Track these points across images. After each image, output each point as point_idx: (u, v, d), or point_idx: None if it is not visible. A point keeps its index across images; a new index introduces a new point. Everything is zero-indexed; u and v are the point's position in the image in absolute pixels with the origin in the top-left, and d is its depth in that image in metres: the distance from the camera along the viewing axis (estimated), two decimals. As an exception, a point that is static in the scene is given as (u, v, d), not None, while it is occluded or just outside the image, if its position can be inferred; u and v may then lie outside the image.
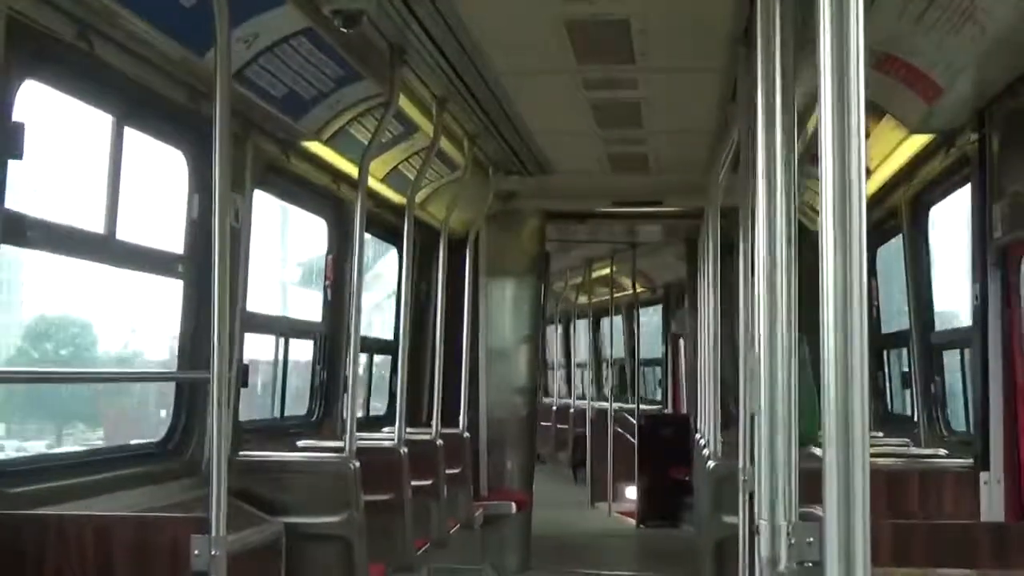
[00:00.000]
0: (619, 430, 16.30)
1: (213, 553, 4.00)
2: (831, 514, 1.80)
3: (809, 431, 5.90)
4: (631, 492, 15.99)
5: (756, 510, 4.06)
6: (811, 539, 3.26)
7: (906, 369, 7.85)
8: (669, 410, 17.52)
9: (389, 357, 9.90)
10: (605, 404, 17.42)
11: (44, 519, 4.34)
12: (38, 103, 4.61)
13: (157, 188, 6.14)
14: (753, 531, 4.86)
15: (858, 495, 1.80)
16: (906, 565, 3.98)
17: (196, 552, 4.01)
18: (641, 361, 18.05)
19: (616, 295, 18.02)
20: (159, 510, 5.33)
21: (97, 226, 5.21)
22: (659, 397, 18.47)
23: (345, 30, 5.58)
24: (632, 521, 15.71)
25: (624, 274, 17.42)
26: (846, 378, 1.84)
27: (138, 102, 5.38)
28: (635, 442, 15.77)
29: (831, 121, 1.90)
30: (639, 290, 17.59)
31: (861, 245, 1.87)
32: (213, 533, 4.02)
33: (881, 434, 7.62)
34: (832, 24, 1.90)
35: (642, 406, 16.72)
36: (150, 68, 5.27)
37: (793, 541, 3.19)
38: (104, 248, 5.29)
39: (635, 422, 16.03)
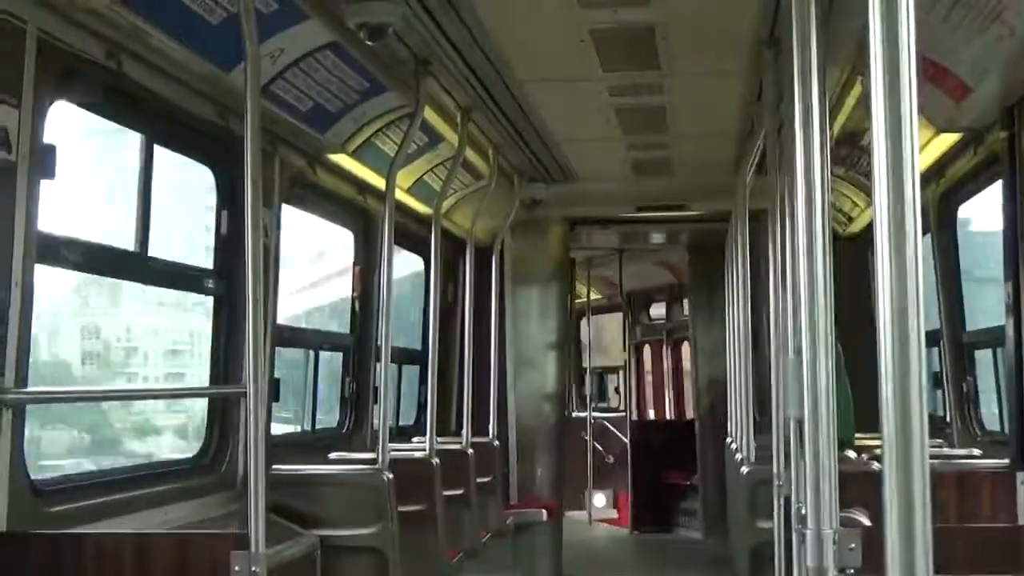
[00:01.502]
0: (584, 437, 16.16)
1: (253, 569, 3.99)
2: (890, 523, 1.79)
3: (844, 435, 5.91)
4: (600, 499, 15.89)
5: (795, 516, 4.05)
6: (852, 545, 3.25)
7: (937, 369, 7.80)
8: (630, 415, 17.32)
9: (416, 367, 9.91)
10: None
11: (83, 537, 4.35)
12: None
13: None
14: (789, 536, 4.85)
15: (918, 503, 1.79)
16: (949, 571, 3.94)
17: (236, 568, 4.00)
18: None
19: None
20: (195, 525, 5.35)
21: (129, 244, 5.23)
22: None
23: (370, 43, 5.58)
24: (615, 528, 15.70)
25: (582, 280, 17.15)
26: (904, 383, 1.82)
27: (167, 120, 5.41)
28: (609, 448, 15.80)
29: (883, 124, 1.89)
30: (596, 297, 17.47)
31: (917, 247, 1.86)
32: (253, 549, 4.02)
33: None
34: (883, 26, 1.88)
35: (607, 413, 16.67)
36: (178, 86, 5.30)
37: (836, 549, 3.18)
38: (136, 265, 5.31)
39: (617, 429, 15.99)
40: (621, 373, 17.57)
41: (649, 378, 18.04)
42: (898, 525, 1.78)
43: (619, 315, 17.64)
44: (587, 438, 15.84)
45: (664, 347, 17.63)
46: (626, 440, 16.04)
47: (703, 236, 12.69)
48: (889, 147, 1.86)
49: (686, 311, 16.88)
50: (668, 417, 17.62)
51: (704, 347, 13.64)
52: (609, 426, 16.18)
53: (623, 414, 16.80)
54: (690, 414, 17.06)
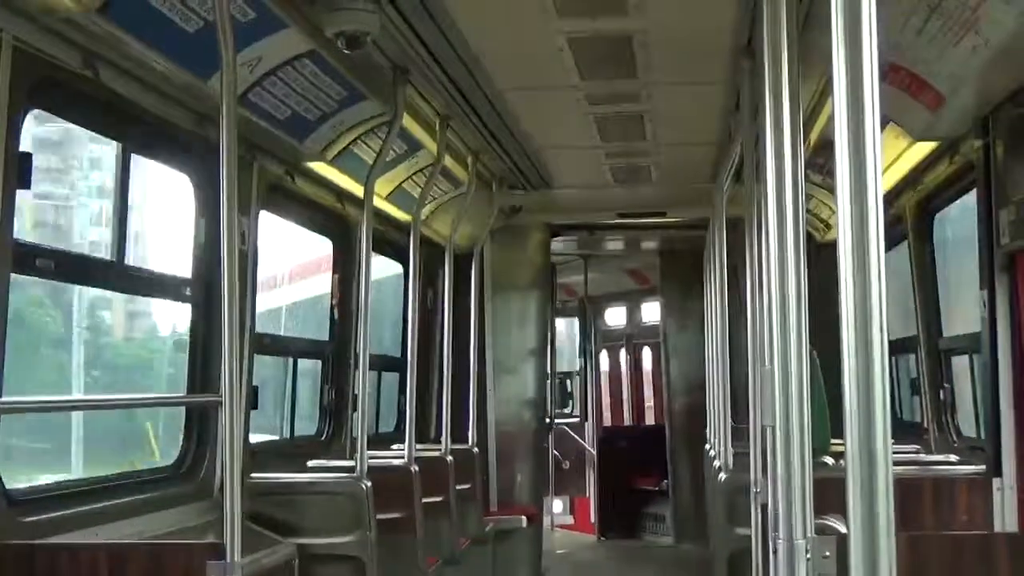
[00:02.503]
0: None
1: None
2: (855, 532, 1.80)
3: (820, 442, 5.93)
4: (557, 505, 15.80)
5: (771, 524, 4.06)
6: (827, 553, 3.26)
7: (914, 375, 7.84)
8: (596, 421, 17.25)
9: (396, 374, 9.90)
10: None
11: (58, 548, 4.33)
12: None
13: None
14: (767, 544, 4.86)
15: (881, 513, 1.80)
16: (923, 577, 3.97)
17: None
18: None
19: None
20: (173, 535, 5.33)
21: (105, 252, 5.23)
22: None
23: (348, 51, 5.58)
24: (580, 535, 15.66)
25: None
26: (868, 390, 1.83)
27: (143, 128, 5.40)
28: (593, 454, 15.78)
29: (846, 132, 1.90)
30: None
31: (879, 254, 1.87)
32: (228, 559, 4.01)
33: (892, 441, 7.60)
34: (846, 36, 1.90)
35: (565, 419, 16.59)
36: (155, 94, 5.28)
37: (809, 556, 3.19)
38: (113, 273, 5.30)
39: (574, 434, 15.94)
40: (577, 379, 17.53)
41: (605, 383, 18.02)
42: (862, 532, 1.79)
43: (572, 320, 17.60)
44: (545, 444, 15.78)
45: (622, 353, 17.62)
46: (584, 444, 16.01)
47: (677, 242, 12.76)
48: (852, 157, 1.87)
49: (646, 317, 16.92)
50: (627, 423, 17.62)
51: (676, 353, 13.69)
52: (568, 431, 16.13)
53: (577, 419, 16.76)
54: (650, 419, 17.08)
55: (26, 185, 4.33)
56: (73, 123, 5.00)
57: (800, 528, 3.15)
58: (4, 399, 4.35)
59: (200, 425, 6.03)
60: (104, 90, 4.89)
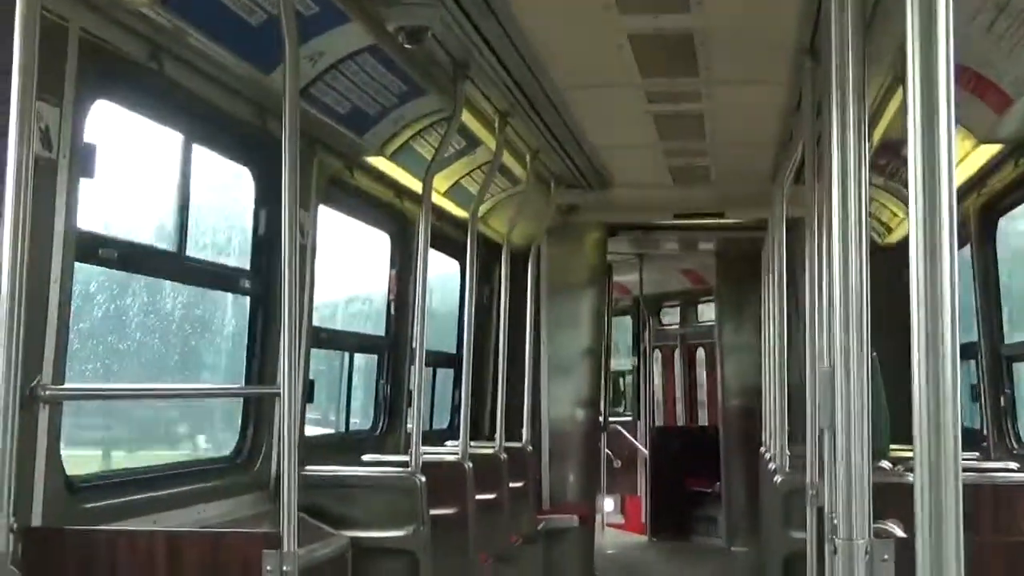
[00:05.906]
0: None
1: (285, 569, 4.01)
2: (922, 537, 1.77)
3: (880, 445, 5.87)
4: (608, 504, 15.68)
5: (828, 526, 4.03)
6: (886, 556, 3.23)
7: (974, 381, 7.74)
8: (648, 420, 17.13)
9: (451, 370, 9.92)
10: None
11: (116, 534, 4.37)
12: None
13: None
14: (822, 546, 4.83)
15: (950, 515, 1.77)
16: (984, 584, 3.91)
17: (268, 568, 4.02)
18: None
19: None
20: (228, 524, 5.37)
21: (167, 243, 5.28)
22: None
23: (409, 46, 5.60)
24: (632, 535, 15.59)
25: None
26: (938, 395, 1.80)
27: (206, 120, 5.45)
28: (647, 454, 15.73)
29: (919, 133, 1.87)
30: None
31: (952, 258, 1.84)
32: (284, 549, 4.04)
33: None
34: (920, 37, 1.87)
35: (617, 418, 16.45)
36: (218, 87, 5.33)
37: (868, 560, 3.16)
38: (174, 265, 5.35)
39: (626, 434, 15.89)
40: (631, 378, 17.45)
41: (658, 383, 17.97)
42: (930, 537, 1.76)
43: (625, 319, 17.53)
44: (599, 444, 15.75)
45: (677, 353, 17.56)
46: (636, 444, 15.96)
47: (734, 243, 12.70)
48: (925, 158, 1.84)
49: (701, 317, 16.84)
50: (680, 423, 17.56)
51: (731, 354, 13.62)
52: (621, 430, 16.08)
53: (629, 418, 16.69)
54: (704, 420, 17.01)
55: (90, 175, 4.38)
56: (137, 113, 5.04)
57: (859, 531, 3.12)
58: (66, 386, 4.40)
59: (256, 417, 6.08)
60: (167, 81, 4.94)
